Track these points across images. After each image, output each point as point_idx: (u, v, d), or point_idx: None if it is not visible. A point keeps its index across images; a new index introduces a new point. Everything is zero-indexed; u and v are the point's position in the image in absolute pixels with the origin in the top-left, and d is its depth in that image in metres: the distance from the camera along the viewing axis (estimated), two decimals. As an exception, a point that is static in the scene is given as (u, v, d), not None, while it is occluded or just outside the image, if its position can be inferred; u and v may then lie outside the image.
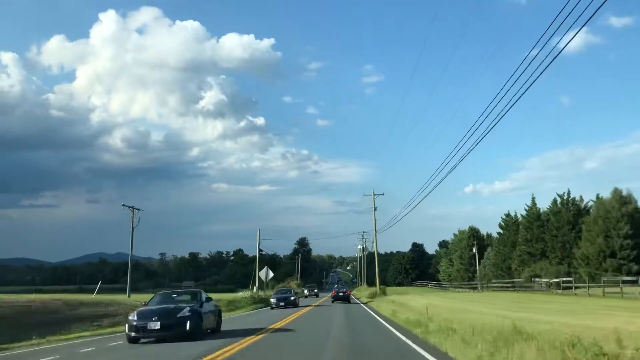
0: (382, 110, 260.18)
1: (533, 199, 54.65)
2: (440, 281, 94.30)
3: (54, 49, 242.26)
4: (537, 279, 47.44)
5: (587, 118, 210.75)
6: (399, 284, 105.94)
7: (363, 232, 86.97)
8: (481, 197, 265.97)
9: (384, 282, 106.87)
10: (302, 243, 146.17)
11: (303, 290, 64.40)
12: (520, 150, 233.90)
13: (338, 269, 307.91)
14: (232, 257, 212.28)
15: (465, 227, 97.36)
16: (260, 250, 43.51)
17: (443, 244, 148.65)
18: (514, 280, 53.58)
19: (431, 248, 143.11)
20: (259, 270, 45.53)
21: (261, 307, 34.40)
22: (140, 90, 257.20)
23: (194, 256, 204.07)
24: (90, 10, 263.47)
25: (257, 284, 46.19)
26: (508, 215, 63.37)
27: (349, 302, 42.41)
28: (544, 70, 12.13)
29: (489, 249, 75.22)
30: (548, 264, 48.09)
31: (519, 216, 63.51)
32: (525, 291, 46.05)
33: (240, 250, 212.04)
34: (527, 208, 54.60)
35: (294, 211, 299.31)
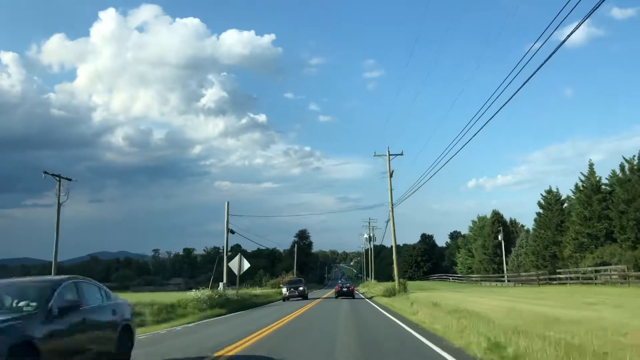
0: (384, 105, 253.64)
1: (591, 165, 42.31)
2: (456, 274, 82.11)
3: (55, 48, 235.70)
4: (603, 267, 35.39)
5: (590, 111, 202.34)
6: (410, 279, 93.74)
7: (369, 219, 75.12)
8: (484, 191, 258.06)
9: (391, 277, 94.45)
10: (302, 235, 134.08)
11: (282, 289, 45.17)
12: (524, 144, 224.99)
13: (341, 265, 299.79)
14: (229, 253, 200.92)
15: (480, 215, 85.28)
16: (230, 230, 30.92)
17: (455, 235, 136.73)
18: (562, 270, 41.58)
19: (440, 240, 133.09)
20: (228, 260, 33.43)
21: (217, 316, 22.08)
22: (141, 89, 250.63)
23: (188, 252, 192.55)
24: (90, 8, 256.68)
25: (225, 280, 33.99)
26: (550, 191, 51.27)
27: (353, 297, 41.13)
28: (549, 56, 10.80)
29: (522, 234, 62.95)
30: (618, 247, 36.15)
31: (561, 193, 51.36)
32: (591, 284, 34.03)
33: (237, 245, 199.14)
34: (583, 178, 42.36)
35: (297, 208, 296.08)
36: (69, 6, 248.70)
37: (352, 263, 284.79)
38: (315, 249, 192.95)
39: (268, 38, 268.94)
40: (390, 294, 32.37)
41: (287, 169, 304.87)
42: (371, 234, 73.86)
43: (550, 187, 52.16)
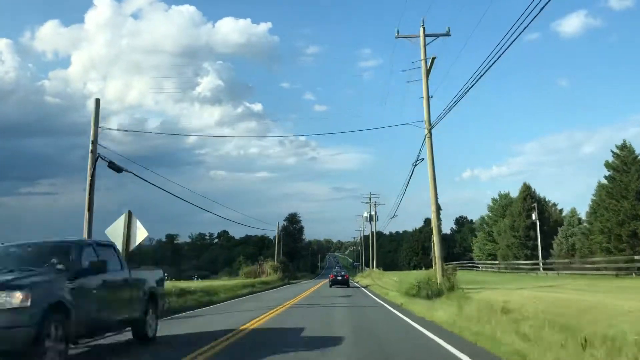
0: (380, 95, 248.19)
1: None
2: (472, 261, 67.71)
3: (49, 35, 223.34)
4: None
5: (586, 101, 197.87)
6: (415, 267, 79.22)
7: (371, 194, 60.45)
8: (479, 182, 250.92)
9: (394, 266, 79.79)
10: (292, 220, 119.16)
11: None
12: (519, 134, 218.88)
13: (336, 253, 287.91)
14: (215, 240, 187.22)
15: (503, 192, 70.80)
16: (111, 164, 15.77)
17: (461, 221, 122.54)
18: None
19: (444, 227, 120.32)
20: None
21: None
22: (136, 77, 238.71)
23: (171, 239, 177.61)
24: None
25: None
26: (624, 146, 36.72)
27: (348, 286, 39.70)
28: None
29: (569, 211, 48.51)
30: None
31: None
32: None
33: (225, 231, 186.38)
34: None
35: (293, 197, 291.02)
36: None
37: (347, 252, 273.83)
38: (310, 237, 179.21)
39: (264, 26, 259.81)
40: (428, 292, 17.49)
41: (283, 159, 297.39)
42: (373, 212, 59.47)
43: (625, 141, 37.49)
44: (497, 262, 57.59)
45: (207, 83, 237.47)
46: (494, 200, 71.24)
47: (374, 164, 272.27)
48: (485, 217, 72.19)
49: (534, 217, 53.76)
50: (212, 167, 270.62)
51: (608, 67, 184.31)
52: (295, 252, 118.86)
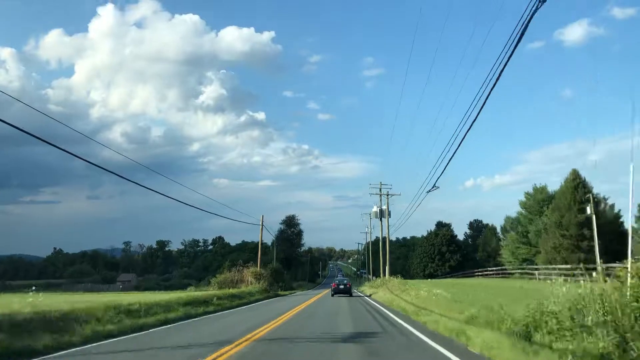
0: (383, 104, 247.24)
1: None
2: (503, 267, 55.17)
3: (52, 43, 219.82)
4: None
5: (589, 110, 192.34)
6: (431, 276, 66.68)
7: (381, 183, 48.30)
8: (481, 191, 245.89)
9: (406, 275, 67.18)
10: (290, 222, 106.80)
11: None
12: (522, 143, 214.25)
13: (339, 262, 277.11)
14: (210, 247, 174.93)
15: (538, 186, 58.60)
16: None
17: (477, 226, 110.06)
18: None
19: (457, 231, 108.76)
20: None
21: None
22: (139, 85, 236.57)
23: (161, 245, 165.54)
24: (90, 3, 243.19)
25: None
26: None
27: (351, 295, 37.72)
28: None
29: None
30: None
31: None
32: None
33: (220, 238, 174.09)
34: None
35: (295, 206, 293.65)
36: (68, 1, 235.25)
37: (350, 260, 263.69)
38: (312, 245, 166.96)
39: (268, 35, 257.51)
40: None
41: (286, 167, 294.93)
42: (384, 206, 47.30)
43: None
44: (540, 267, 45.15)
45: (211, 92, 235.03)
46: (527, 195, 58.93)
47: (378, 172, 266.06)
48: (519, 215, 59.70)
49: (588, 211, 41.49)
50: (215, 175, 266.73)
51: (611, 76, 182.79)
52: (293, 259, 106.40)
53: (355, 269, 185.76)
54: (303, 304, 27.81)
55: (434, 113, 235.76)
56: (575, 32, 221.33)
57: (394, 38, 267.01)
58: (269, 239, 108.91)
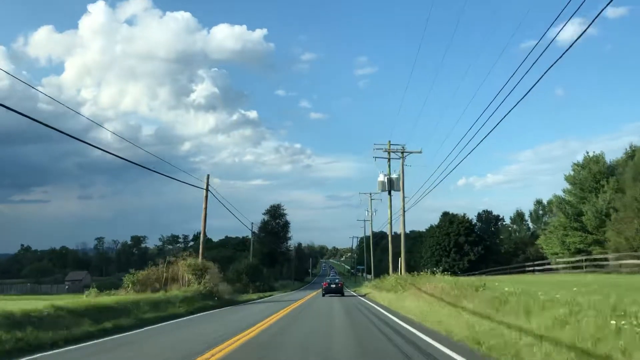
0: (376, 103, 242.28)
1: None
2: (544, 260, 40.82)
3: (42, 41, 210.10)
4: None
5: (581, 110, 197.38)
6: (448, 271, 52.03)
7: (390, 143, 33.86)
8: (473, 190, 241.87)
9: (412, 268, 51.22)
10: (275, 213, 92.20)
11: None
12: (514, 143, 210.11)
13: (331, 260, 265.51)
14: (191, 243, 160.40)
15: (589, 155, 44.72)
16: None
17: (487, 217, 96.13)
18: None
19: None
20: None
21: None
22: (130, 83, 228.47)
23: (137, 241, 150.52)
24: (79, 0, 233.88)
25: None
26: None
27: (343, 294, 35.82)
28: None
29: None
30: None
31: None
32: None
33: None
34: None
35: (287, 205, 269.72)
36: None
37: (342, 259, 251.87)
38: (304, 243, 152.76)
39: (260, 33, 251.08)
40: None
41: (278, 166, 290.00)
42: (396, 175, 33.03)
43: None
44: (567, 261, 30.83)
45: (202, 90, 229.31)
46: (576, 167, 44.83)
47: (370, 172, 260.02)
48: (566, 194, 45.47)
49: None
50: (207, 174, 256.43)
51: (603, 75, 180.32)
52: (279, 255, 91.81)
53: (349, 267, 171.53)
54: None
55: (428, 111, 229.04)
56: (567, 31, 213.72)
57: (388, 37, 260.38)
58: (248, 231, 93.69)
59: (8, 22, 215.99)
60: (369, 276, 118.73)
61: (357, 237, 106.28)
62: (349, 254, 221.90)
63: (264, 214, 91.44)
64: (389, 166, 34.01)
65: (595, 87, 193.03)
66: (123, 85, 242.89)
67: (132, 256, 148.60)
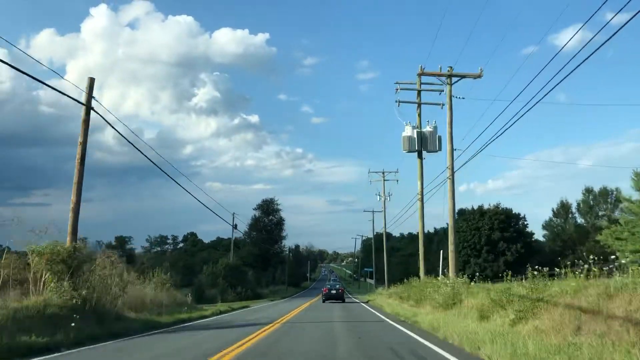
0: (378, 108, 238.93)
1: None
2: (611, 259, 29.15)
3: (44, 43, 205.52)
4: None
5: (582, 116, 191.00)
6: (481, 275, 40.04)
7: (421, 68, 22.10)
8: (475, 196, 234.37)
9: (411, 276, 38.55)
10: (267, 208, 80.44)
11: None
12: (515, 148, 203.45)
13: (332, 265, 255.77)
14: (180, 244, 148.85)
15: None
16: None
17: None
18: None
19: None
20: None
21: None
22: (132, 87, 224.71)
23: (121, 242, 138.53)
24: (82, 3, 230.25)
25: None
26: None
27: (343, 301, 35.00)
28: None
29: None
30: None
31: None
32: None
33: (192, 234, 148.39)
34: None
35: (288, 210, 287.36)
36: (60, 1, 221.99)
37: (343, 263, 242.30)
38: (301, 245, 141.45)
39: (262, 37, 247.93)
40: None
41: (279, 171, 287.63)
42: (434, 126, 21.47)
43: None
44: None
45: (204, 94, 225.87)
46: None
47: (372, 177, 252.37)
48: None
49: None
50: (208, 178, 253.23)
51: (605, 81, 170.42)
52: (272, 256, 79.89)
53: (350, 272, 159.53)
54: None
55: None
56: (569, 37, 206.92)
57: (390, 42, 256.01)
58: (240, 233, 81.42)
59: (9, 25, 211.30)
60: (371, 281, 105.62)
61: (363, 236, 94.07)
62: (350, 258, 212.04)
63: (255, 209, 79.77)
64: (419, 114, 22.24)
65: (598, 92, 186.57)
66: (125, 89, 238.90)
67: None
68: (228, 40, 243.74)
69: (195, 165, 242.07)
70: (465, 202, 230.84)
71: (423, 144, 22.10)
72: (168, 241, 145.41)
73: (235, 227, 50.57)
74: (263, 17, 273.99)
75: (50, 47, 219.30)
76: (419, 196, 22.59)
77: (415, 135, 22.02)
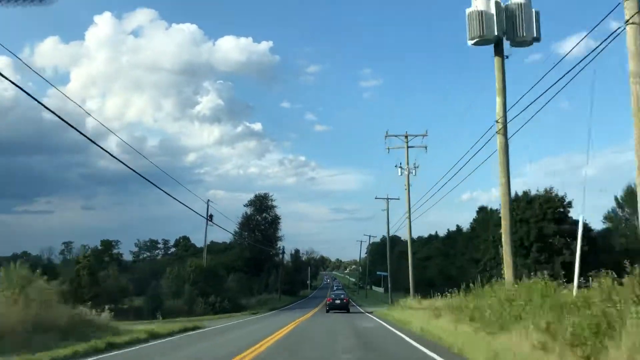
0: (381, 115, 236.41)
1: None
2: None
3: (48, 51, 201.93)
4: None
5: (586, 123, 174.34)
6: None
7: None
8: (478, 204, 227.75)
9: (451, 283, 27.15)
10: (261, 205, 69.76)
11: None
12: (518, 156, 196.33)
13: (334, 272, 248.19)
14: (172, 249, 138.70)
15: None
16: None
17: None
18: None
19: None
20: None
21: None
22: (135, 94, 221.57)
23: (107, 246, 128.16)
24: (86, 11, 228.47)
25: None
26: None
27: (348, 311, 32.87)
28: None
29: None
30: None
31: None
32: None
33: (184, 238, 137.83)
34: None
35: (291, 218, 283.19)
36: (64, 10, 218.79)
37: (347, 271, 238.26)
38: (301, 250, 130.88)
39: (265, 45, 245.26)
40: None
41: (282, 179, 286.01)
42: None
43: None
44: None
45: (207, 102, 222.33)
46: None
47: (374, 185, 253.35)
48: None
49: None
50: (211, 186, 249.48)
51: (609, 88, 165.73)
52: (266, 260, 69.09)
53: (354, 280, 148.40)
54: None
55: (433, 124, 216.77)
56: (573, 45, 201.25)
57: (393, 49, 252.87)
58: (227, 234, 70.08)
59: (14, 33, 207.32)
60: (378, 289, 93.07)
61: (370, 236, 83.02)
62: (354, 266, 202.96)
63: (247, 205, 69.14)
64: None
65: (600, 99, 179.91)
66: (128, 96, 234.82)
67: (102, 263, 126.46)
68: (231, 48, 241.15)
69: (199, 172, 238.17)
70: (466, 210, 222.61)
71: (507, 28, 11.62)
72: (159, 246, 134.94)
73: (210, 218, 39.94)
74: (266, 25, 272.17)
75: (55, 55, 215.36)
76: (499, 126, 12.05)
77: (493, 10, 11.53)
